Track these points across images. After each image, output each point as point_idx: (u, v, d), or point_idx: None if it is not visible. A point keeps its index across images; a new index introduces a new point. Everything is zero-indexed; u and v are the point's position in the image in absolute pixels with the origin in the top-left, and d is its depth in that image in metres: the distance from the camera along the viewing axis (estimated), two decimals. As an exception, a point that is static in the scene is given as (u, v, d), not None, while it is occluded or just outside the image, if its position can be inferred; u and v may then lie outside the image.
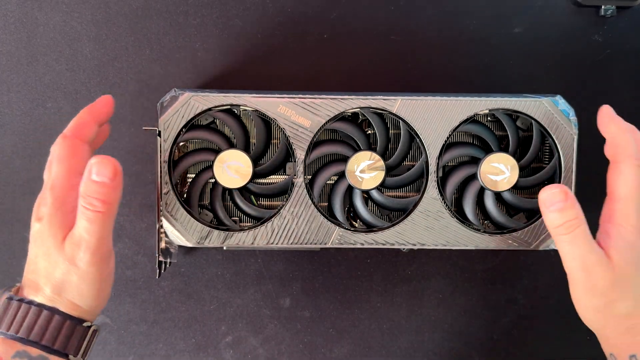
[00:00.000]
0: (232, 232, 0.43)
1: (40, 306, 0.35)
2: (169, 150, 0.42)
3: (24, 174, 0.50)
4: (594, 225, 0.40)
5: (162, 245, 0.43)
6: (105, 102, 0.40)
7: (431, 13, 0.50)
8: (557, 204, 0.37)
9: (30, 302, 0.35)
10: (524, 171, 0.43)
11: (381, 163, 0.43)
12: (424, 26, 0.50)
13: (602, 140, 0.40)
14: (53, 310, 0.35)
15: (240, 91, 0.43)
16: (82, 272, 0.36)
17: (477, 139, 0.46)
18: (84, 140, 0.38)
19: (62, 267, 0.36)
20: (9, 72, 0.49)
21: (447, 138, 0.43)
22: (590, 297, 0.37)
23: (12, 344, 0.34)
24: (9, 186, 0.50)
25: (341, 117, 0.43)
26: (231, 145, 0.44)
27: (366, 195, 0.45)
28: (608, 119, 0.40)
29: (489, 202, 0.44)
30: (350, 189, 0.44)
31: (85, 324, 0.36)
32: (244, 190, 0.44)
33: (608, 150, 0.39)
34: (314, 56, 0.50)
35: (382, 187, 0.44)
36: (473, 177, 0.44)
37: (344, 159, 0.43)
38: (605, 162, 0.43)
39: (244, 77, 0.50)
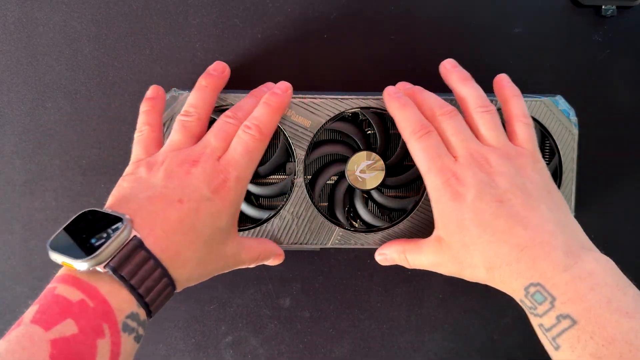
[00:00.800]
0: (232, 232, 0.43)
1: (165, 274, 0.32)
2: (169, 150, 0.42)
3: (24, 174, 0.50)
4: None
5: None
6: (290, 96, 0.41)
7: (431, 13, 0.50)
8: (389, 263, 0.42)
9: (160, 264, 0.32)
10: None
11: (381, 163, 0.43)
12: (424, 26, 0.50)
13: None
14: (171, 282, 0.33)
15: (240, 91, 0.43)
16: (218, 273, 0.37)
17: (477, 139, 0.46)
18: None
19: (217, 263, 0.37)
20: (9, 72, 0.49)
21: (447, 138, 0.43)
22: (462, 276, 0.37)
23: (130, 299, 0.31)
24: (9, 186, 0.50)
25: (341, 117, 0.43)
26: (231, 145, 0.44)
27: (366, 195, 0.45)
28: (387, 101, 0.41)
29: (489, 202, 0.44)
30: (350, 189, 0.44)
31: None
32: (244, 190, 0.44)
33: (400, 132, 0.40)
34: (314, 56, 0.50)
35: (382, 187, 0.44)
36: (473, 177, 0.44)
37: (344, 159, 0.43)
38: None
39: (244, 77, 0.50)
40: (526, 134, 0.38)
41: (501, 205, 0.34)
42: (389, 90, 0.41)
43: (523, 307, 0.34)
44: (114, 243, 0.30)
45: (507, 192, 0.35)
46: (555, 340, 0.32)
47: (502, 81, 0.41)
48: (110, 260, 0.30)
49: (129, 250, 0.31)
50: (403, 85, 0.42)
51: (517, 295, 0.34)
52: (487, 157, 0.36)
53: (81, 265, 0.29)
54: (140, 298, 0.31)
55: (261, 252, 0.41)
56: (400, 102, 0.39)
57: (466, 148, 0.36)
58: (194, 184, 0.34)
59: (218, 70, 0.42)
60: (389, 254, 0.42)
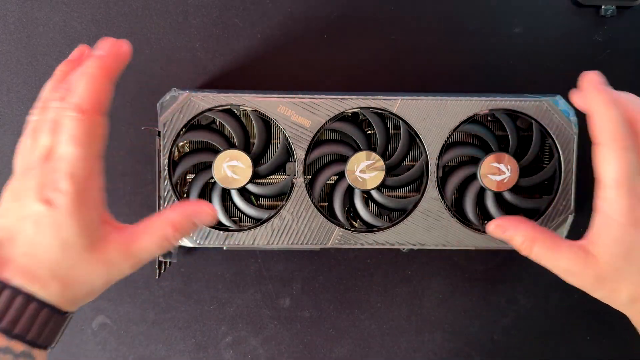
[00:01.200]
0: (232, 232, 0.43)
1: (31, 298, 0.30)
2: (168, 150, 0.42)
3: (24, 174, 0.50)
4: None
5: (162, 245, 0.43)
6: (120, 55, 0.33)
7: (431, 13, 0.50)
8: (501, 237, 0.38)
9: (19, 291, 0.30)
10: (524, 171, 0.43)
11: (381, 163, 0.43)
12: (424, 26, 0.50)
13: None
14: (44, 304, 0.30)
15: (240, 91, 0.43)
16: (113, 279, 0.33)
17: (477, 139, 0.46)
18: (105, 114, 0.32)
19: (98, 272, 0.32)
20: (9, 72, 0.49)
21: (447, 138, 0.43)
22: (590, 292, 0.36)
23: None
24: (9, 186, 0.50)
25: (341, 117, 0.43)
26: (231, 145, 0.44)
27: (366, 195, 0.45)
28: (590, 92, 0.35)
29: (489, 202, 0.44)
30: (350, 189, 0.44)
31: (68, 316, 0.32)
32: (244, 190, 0.44)
33: (592, 130, 0.34)
34: (314, 56, 0.50)
35: (382, 187, 0.44)
36: (473, 177, 0.44)
37: (344, 159, 0.43)
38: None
39: (244, 77, 0.50)
40: None
41: None
42: (592, 78, 0.35)
43: None
44: None
45: None
46: None
47: None
48: None
49: None
50: (598, 77, 0.36)
51: None
52: None
53: None
54: (5, 331, 0.29)
55: (164, 229, 0.34)
56: (609, 97, 0.34)
57: None
58: (26, 202, 0.31)
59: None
60: (509, 232, 0.37)
